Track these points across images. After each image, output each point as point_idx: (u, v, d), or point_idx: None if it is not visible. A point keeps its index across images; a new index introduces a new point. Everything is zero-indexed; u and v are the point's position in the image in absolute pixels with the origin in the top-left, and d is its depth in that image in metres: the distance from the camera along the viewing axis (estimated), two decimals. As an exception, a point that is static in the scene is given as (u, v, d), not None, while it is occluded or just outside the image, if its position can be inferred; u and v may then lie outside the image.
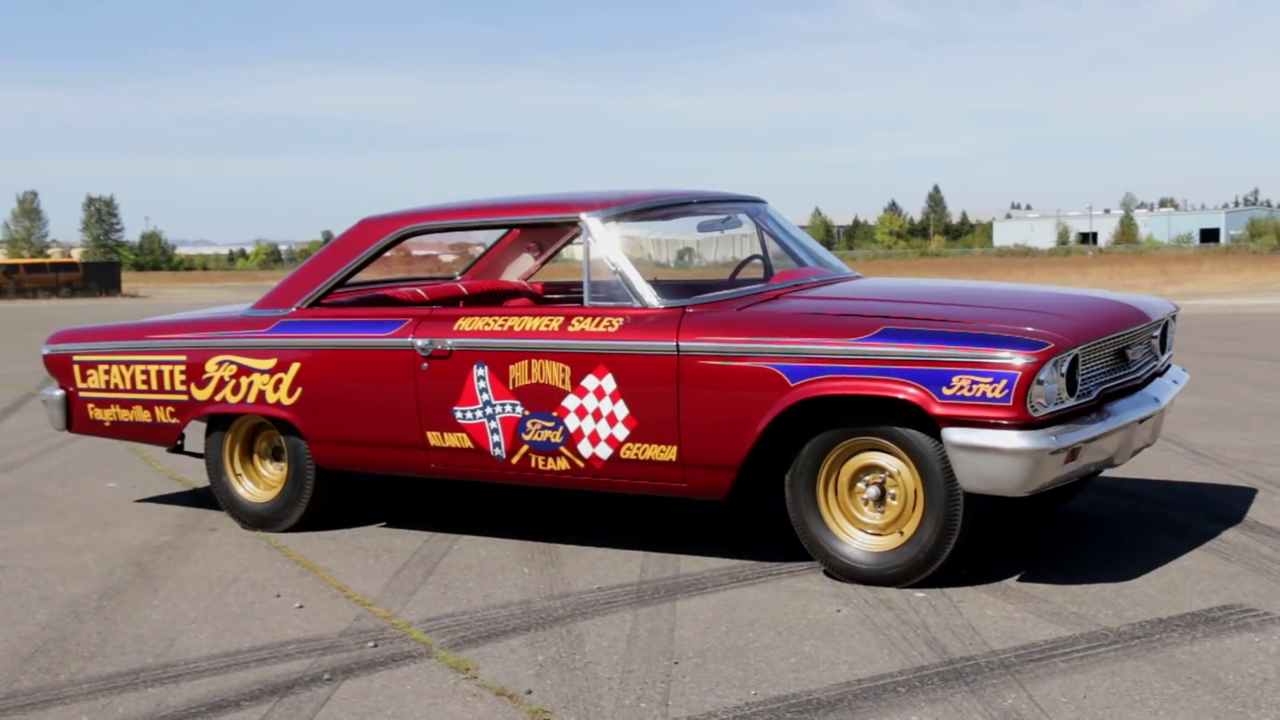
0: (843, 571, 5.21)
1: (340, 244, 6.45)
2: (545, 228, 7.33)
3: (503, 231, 7.60)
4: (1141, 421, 5.29)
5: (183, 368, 6.61)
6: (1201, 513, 6.22)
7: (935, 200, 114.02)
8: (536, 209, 6.22)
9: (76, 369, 7.03)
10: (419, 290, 6.99)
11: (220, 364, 6.47)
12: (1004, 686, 4.04)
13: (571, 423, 5.57)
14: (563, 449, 5.62)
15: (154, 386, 6.72)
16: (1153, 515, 6.18)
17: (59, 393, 7.13)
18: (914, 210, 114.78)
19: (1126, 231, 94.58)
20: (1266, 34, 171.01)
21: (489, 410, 5.76)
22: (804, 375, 5.08)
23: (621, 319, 5.50)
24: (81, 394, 7.03)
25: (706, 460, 5.34)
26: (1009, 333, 4.87)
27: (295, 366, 6.24)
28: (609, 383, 5.47)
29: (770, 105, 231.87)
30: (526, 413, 5.67)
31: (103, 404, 6.95)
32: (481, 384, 5.77)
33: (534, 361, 5.64)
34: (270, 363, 6.32)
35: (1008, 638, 4.50)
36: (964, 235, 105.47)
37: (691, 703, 4.03)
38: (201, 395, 6.55)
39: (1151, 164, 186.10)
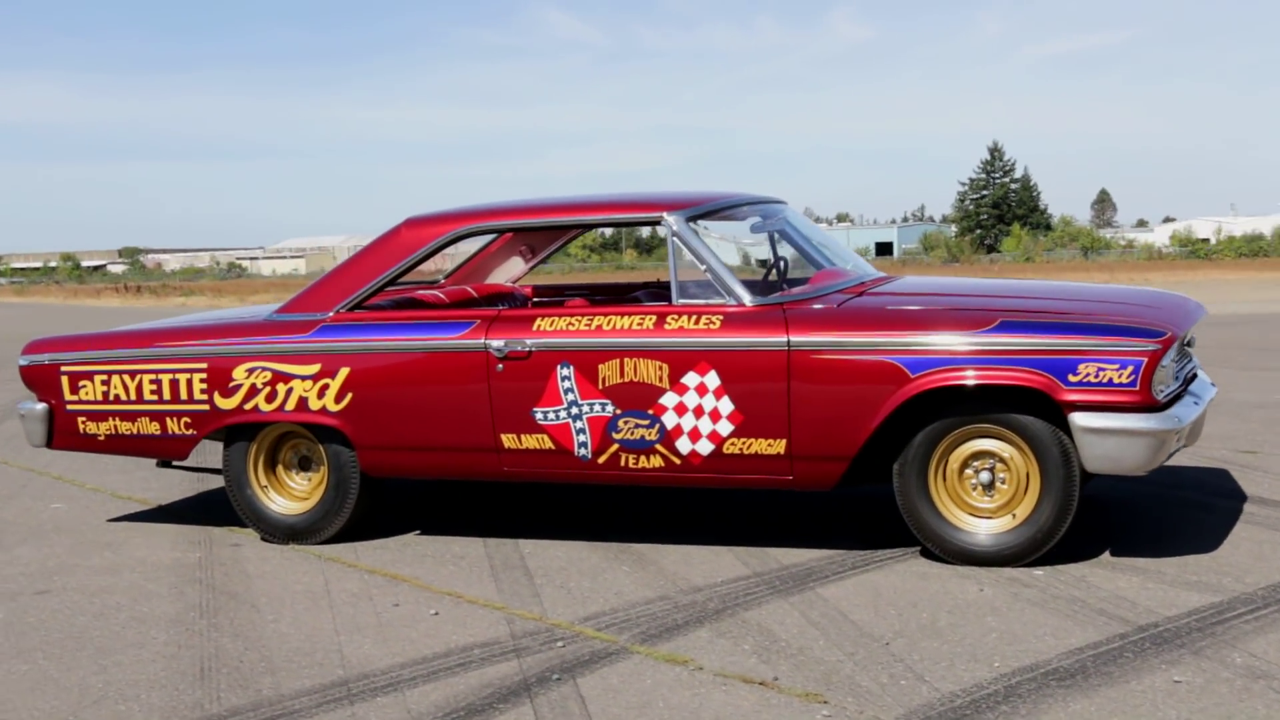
0: (957, 554, 5.43)
1: (385, 246, 6.28)
2: (622, 227, 7.27)
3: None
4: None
5: (203, 376, 6.30)
6: (1203, 490, 6.72)
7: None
8: (615, 208, 6.21)
9: (65, 380, 6.59)
10: (438, 293, 6.85)
11: (251, 371, 6.20)
12: (1221, 646, 4.35)
13: (669, 420, 5.61)
14: (658, 446, 5.65)
15: (166, 396, 6.38)
16: (1167, 497, 6.63)
17: (40, 406, 6.67)
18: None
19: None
20: (925, 59, 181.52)
21: (574, 410, 5.74)
22: (925, 367, 5.28)
23: (721, 316, 5.58)
24: (70, 407, 6.60)
25: (818, 452, 5.48)
26: (1130, 322, 5.21)
27: (344, 372, 6.05)
28: (712, 379, 5.54)
29: (456, 119, 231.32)
30: (618, 411, 5.68)
31: (98, 417, 6.55)
32: (566, 384, 5.74)
33: (627, 360, 5.65)
34: (313, 368, 6.10)
35: (1168, 605, 4.82)
36: (656, 249, 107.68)
37: (948, 677, 4.18)
38: (227, 404, 6.26)
39: (826, 180, 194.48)
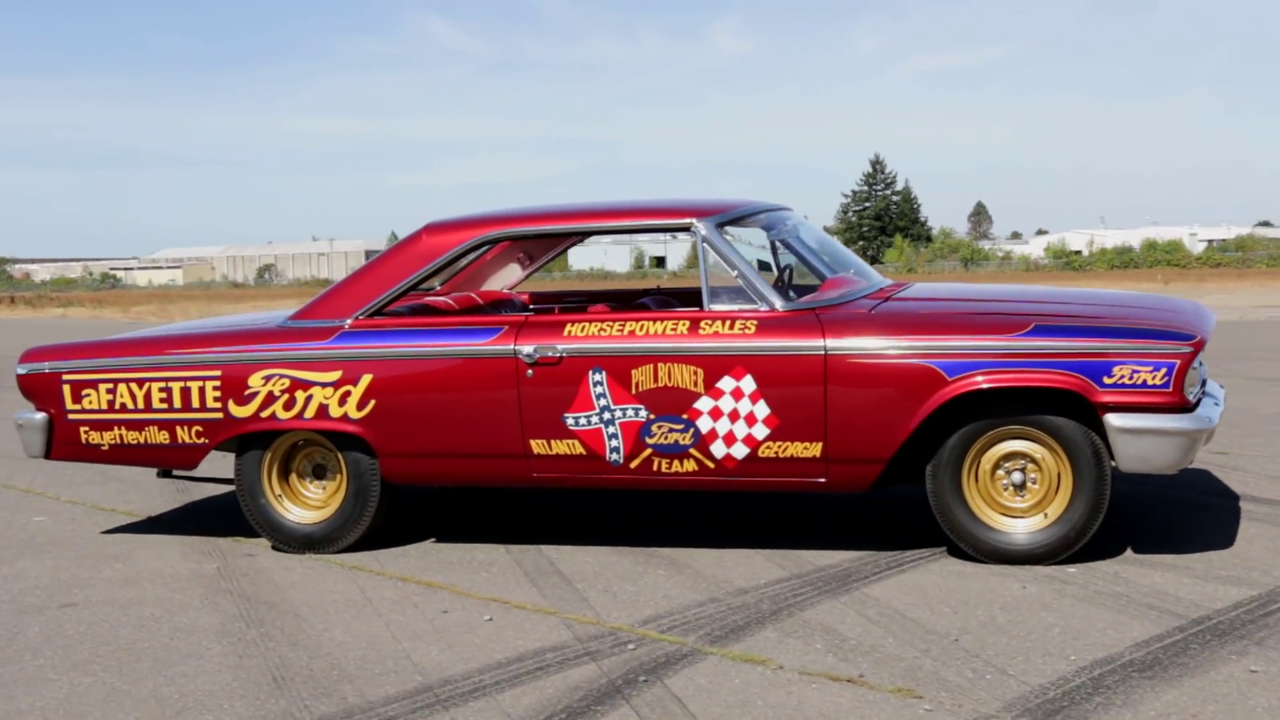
0: (991, 554, 5.55)
1: (405, 253, 6.24)
2: (650, 232, 7.25)
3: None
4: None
5: (216, 383, 6.21)
6: (1195, 490, 6.94)
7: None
8: (644, 214, 6.23)
9: (67, 389, 6.45)
10: (449, 300, 6.82)
11: (268, 378, 6.12)
12: (1281, 636, 4.50)
13: (704, 424, 5.66)
14: (692, 451, 5.70)
15: (177, 405, 6.28)
16: (1164, 496, 6.83)
17: (39, 416, 6.52)
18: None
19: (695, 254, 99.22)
20: (807, 73, 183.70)
21: (607, 415, 5.76)
22: (961, 370, 5.40)
23: (755, 321, 5.64)
24: (72, 416, 6.45)
25: (854, 455, 5.57)
26: (1162, 326, 5.38)
27: (366, 378, 6.00)
28: (748, 383, 5.61)
29: (338, 128, 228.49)
30: (652, 416, 5.71)
31: (102, 426, 6.42)
32: (599, 389, 5.76)
33: (661, 365, 5.69)
34: (334, 375, 6.05)
35: (1210, 599, 4.99)
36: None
37: (1030, 671, 4.28)
38: (242, 412, 6.18)
39: (711, 192, 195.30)
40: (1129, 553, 5.67)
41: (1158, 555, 5.62)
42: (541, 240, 7.39)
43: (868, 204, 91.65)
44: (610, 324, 5.82)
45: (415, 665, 4.59)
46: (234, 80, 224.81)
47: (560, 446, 5.86)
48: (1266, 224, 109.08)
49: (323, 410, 6.08)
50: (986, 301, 6.09)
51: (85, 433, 6.46)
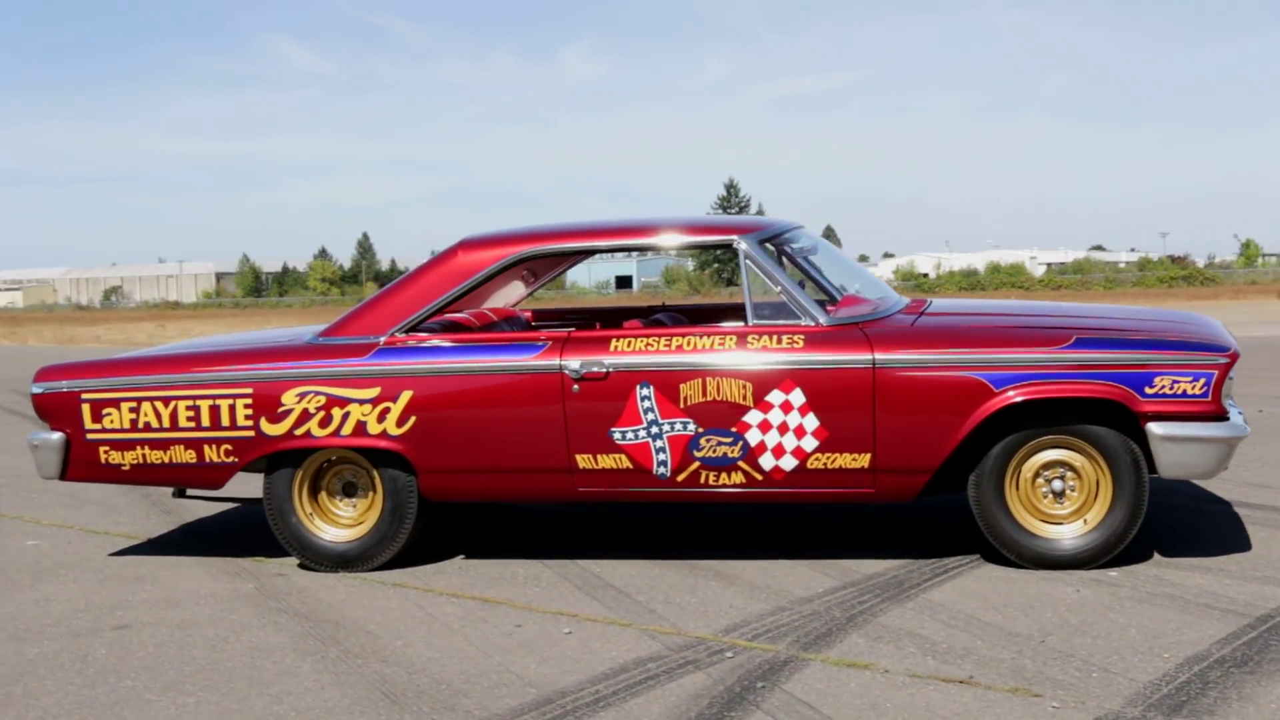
0: (1035, 560, 5.74)
1: (441, 269, 6.24)
2: (693, 250, 7.25)
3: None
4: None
5: (248, 401, 6.13)
6: (1182, 496, 7.23)
7: (365, 247, 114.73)
8: (687, 230, 6.32)
9: (86, 408, 6.31)
10: (469, 316, 6.82)
11: (303, 395, 6.07)
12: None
13: (753, 437, 5.77)
14: (741, 463, 5.80)
15: (205, 423, 6.18)
16: (1157, 503, 7.08)
17: (56, 435, 6.36)
18: (344, 257, 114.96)
19: (558, 277, 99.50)
20: (660, 96, 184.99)
21: (654, 429, 5.83)
22: (1008, 382, 5.59)
23: (803, 336, 5.77)
24: (91, 436, 6.32)
25: (903, 465, 5.73)
26: (1199, 339, 5.64)
27: (406, 395, 5.99)
28: (797, 396, 5.73)
29: (187, 148, 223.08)
30: (700, 430, 5.80)
31: (124, 446, 6.29)
32: (646, 403, 5.83)
33: (710, 379, 5.79)
34: (372, 392, 6.02)
35: (1263, 599, 5.23)
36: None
37: (1133, 669, 4.46)
38: (275, 430, 6.11)
39: (565, 215, 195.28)
40: (1156, 557, 5.91)
41: (1184, 559, 5.87)
42: (572, 257, 7.41)
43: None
44: (657, 339, 5.90)
45: (520, 678, 4.60)
46: (83, 100, 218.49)
47: (606, 461, 5.91)
48: (1100, 248, 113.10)
49: (360, 427, 6.04)
50: (1021, 316, 6.31)
51: (105, 452, 6.32)
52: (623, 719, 4.17)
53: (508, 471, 6.03)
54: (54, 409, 6.38)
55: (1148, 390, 5.54)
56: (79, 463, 6.38)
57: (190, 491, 6.63)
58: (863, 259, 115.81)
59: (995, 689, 4.31)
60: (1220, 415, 5.56)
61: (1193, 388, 5.52)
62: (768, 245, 6.14)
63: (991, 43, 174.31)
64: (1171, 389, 5.53)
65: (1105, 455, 5.66)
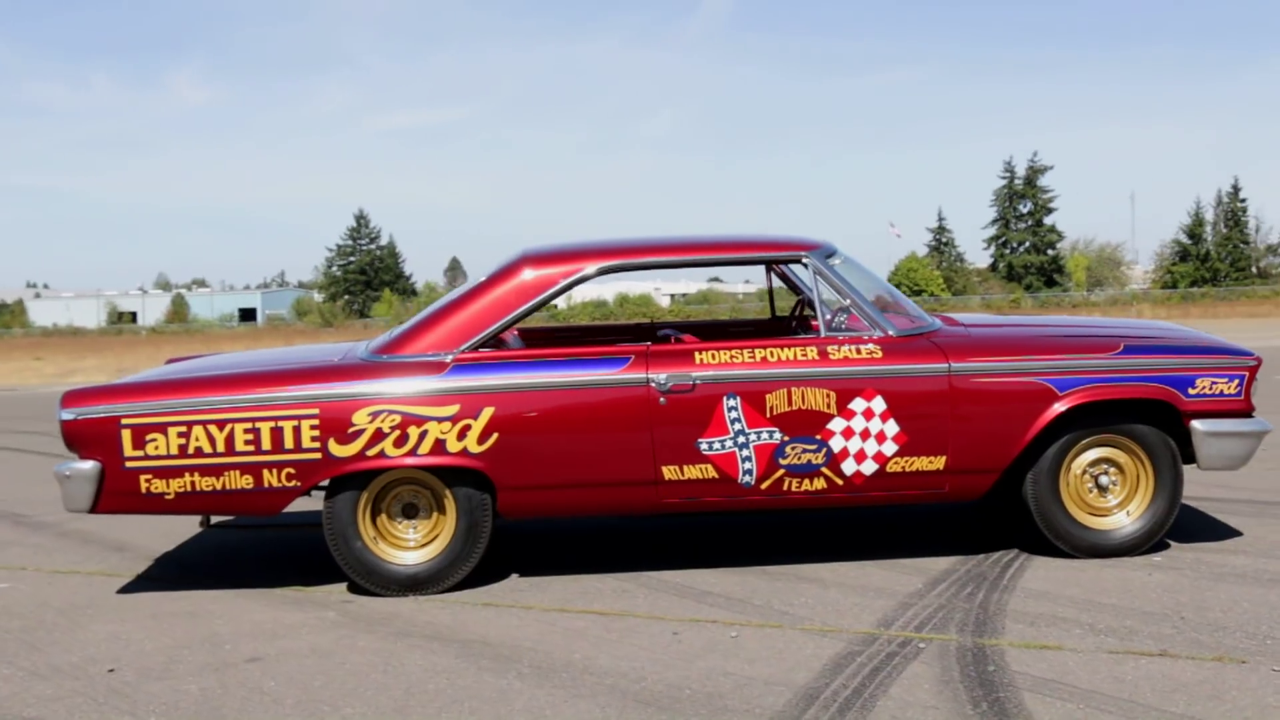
0: (1088, 550, 6.23)
1: (508, 285, 6.18)
2: (762, 265, 7.20)
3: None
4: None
5: (314, 422, 5.91)
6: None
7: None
8: (758, 248, 6.50)
9: (127, 435, 5.91)
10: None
11: (376, 415, 5.91)
12: None
13: (836, 444, 6.02)
14: (824, 469, 6.04)
15: (266, 447, 5.91)
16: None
17: (88, 465, 5.92)
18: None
19: (179, 310, 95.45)
20: (276, 125, 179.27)
21: (741, 439, 6.00)
22: (1070, 386, 6.08)
23: (880, 346, 6.08)
24: (131, 464, 5.91)
25: (975, 466, 6.11)
26: (1229, 344, 6.28)
27: (488, 411, 5.93)
28: (878, 404, 6.03)
29: None
30: (786, 438, 6.01)
31: (169, 474, 5.92)
32: (733, 414, 5.99)
33: (794, 389, 6.01)
34: (451, 409, 5.93)
35: (1316, 573, 5.89)
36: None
37: (1261, 632, 4.95)
38: (345, 451, 5.91)
39: (179, 244, 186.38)
40: (1175, 544, 6.50)
41: (1203, 544, 6.50)
42: (638, 271, 7.39)
43: (352, 258, 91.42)
44: (740, 351, 6.06)
45: (752, 679, 4.68)
46: None
47: (693, 471, 6.02)
48: (718, 280, 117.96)
49: (439, 446, 5.92)
50: (1058, 327, 6.82)
51: (147, 481, 5.93)
52: (909, 708, 4.33)
53: (591, 486, 6.04)
54: (87, 436, 5.93)
55: (1190, 391, 6.13)
56: (114, 494, 5.95)
57: (214, 519, 6.29)
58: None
59: (1200, 659, 4.72)
60: (1250, 412, 6.20)
61: (1228, 388, 6.15)
62: (831, 260, 6.40)
63: (599, 77, 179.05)
64: (1211, 389, 6.14)
65: (1147, 451, 6.21)
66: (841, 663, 4.83)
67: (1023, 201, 75.56)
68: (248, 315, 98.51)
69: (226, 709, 4.58)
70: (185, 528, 7.77)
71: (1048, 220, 74.85)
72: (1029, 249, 74.51)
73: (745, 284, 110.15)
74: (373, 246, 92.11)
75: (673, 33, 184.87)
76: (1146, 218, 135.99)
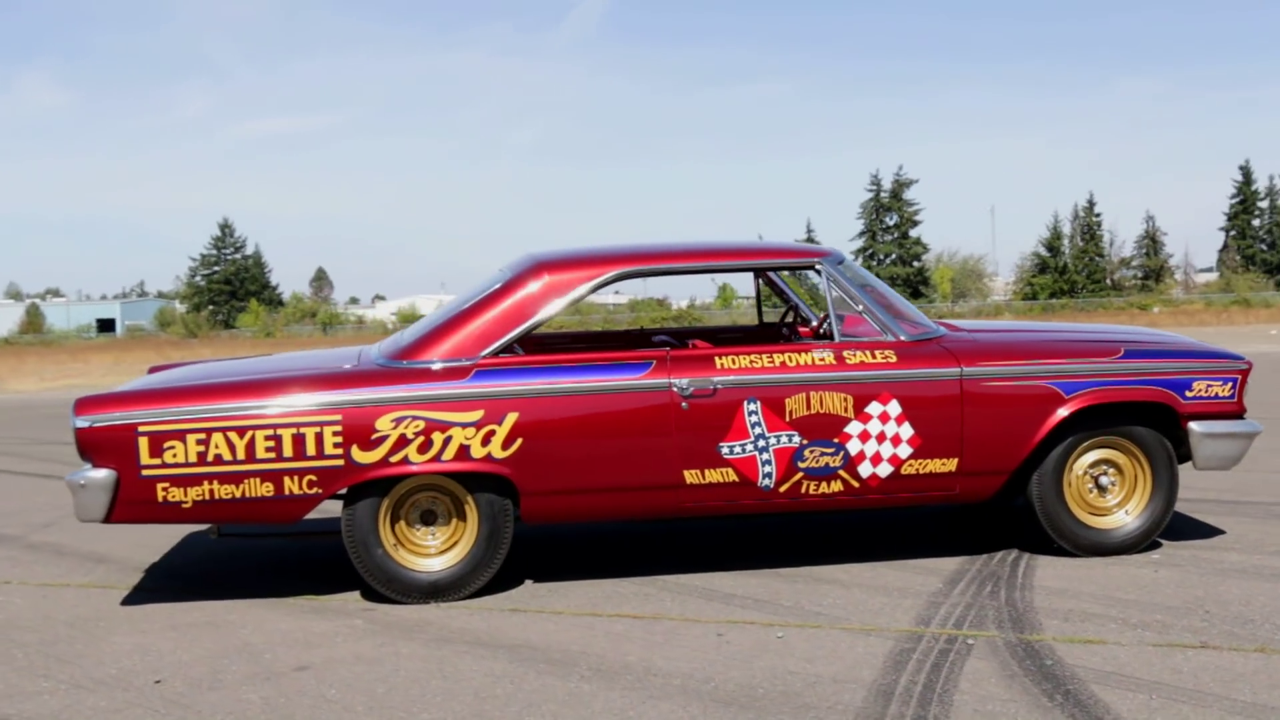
0: (1090, 548, 6.42)
1: (524, 292, 6.17)
2: (776, 272, 7.21)
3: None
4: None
5: (337, 428, 5.85)
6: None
7: None
8: (772, 254, 6.56)
9: (144, 442, 5.78)
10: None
11: (400, 420, 5.86)
12: None
13: (853, 447, 6.13)
14: (841, 472, 6.15)
15: (287, 454, 5.83)
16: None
17: (103, 473, 5.78)
18: None
19: (34, 321, 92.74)
20: (135, 131, 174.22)
21: (761, 443, 6.08)
22: (1075, 390, 6.27)
23: (894, 351, 6.20)
24: (148, 472, 5.79)
25: (985, 468, 6.26)
26: (1221, 350, 6.52)
27: (512, 417, 5.93)
28: (894, 407, 6.15)
29: None
30: (804, 442, 6.10)
31: (188, 481, 5.81)
32: (754, 418, 6.07)
33: (813, 393, 6.10)
34: (475, 415, 5.91)
35: (1309, 561, 6.14)
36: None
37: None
38: (368, 458, 5.86)
39: (28, 253, 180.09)
40: (1166, 543, 6.72)
41: (1193, 541, 6.73)
42: (655, 277, 7.40)
43: (217, 268, 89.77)
44: (760, 356, 6.14)
45: (819, 676, 4.75)
46: None
47: (714, 475, 6.08)
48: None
49: (463, 451, 5.90)
50: (1059, 333, 7.00)
51: (164, 490, 5.80)
52: (988, 701, 4.44)
53: (615, 490, 6.07)
54: (102, 444, 5.79)
55: (1188, 394, 6.35)
56: (129, 502, 5.82)
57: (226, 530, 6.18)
58: (353, 301, 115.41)
59: (1243, 650, 4.90)
60: (1243, 414, 6.45)
61: (1222, 390, 6.39)
62: (841, 267, 6.50)
63: (472, 88, 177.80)
64: (1207, 392, 6.38)
65: (1145, 452, 6.42)
66: (900, 660, 4.92)
67: (889, 214, 76.89)
68: (106, 326, 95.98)
69: (298, 717, 4.51)
70: (161, 538, 7.61)
71: (913, 233, 76.30)
72: (895, 261, 75.84)
73: (615, 294, 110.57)
74: (238, 256, 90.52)
75: (541, 43, 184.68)
76: (1006, 231, 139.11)
